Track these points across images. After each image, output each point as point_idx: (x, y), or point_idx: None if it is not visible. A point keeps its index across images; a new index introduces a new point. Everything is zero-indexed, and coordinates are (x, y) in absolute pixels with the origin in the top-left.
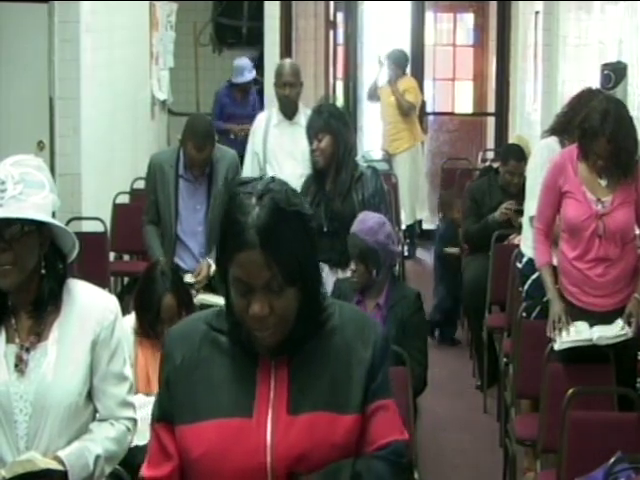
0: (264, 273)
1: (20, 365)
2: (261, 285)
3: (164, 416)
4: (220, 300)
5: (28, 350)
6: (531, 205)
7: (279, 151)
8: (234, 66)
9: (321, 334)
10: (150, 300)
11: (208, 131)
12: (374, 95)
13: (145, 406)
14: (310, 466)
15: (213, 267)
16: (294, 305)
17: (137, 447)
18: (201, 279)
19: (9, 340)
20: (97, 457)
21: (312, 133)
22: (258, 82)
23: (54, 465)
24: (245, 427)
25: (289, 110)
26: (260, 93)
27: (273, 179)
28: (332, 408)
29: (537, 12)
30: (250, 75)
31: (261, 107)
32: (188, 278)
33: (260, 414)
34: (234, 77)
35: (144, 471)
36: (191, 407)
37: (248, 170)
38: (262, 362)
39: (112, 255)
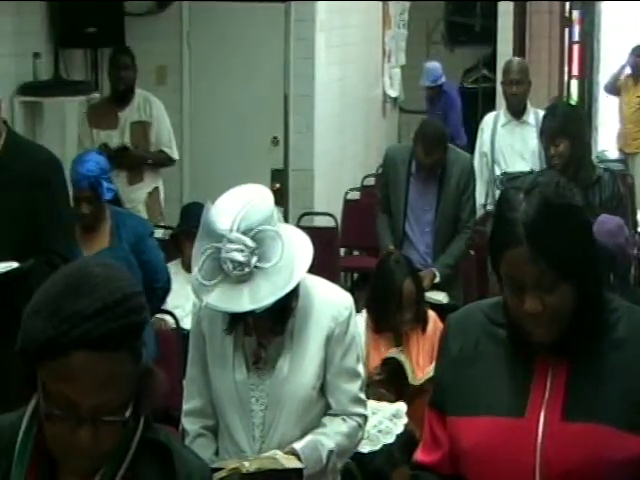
0: (533, 270)
1: (257, 359)
2: (531, 282)
3: (437, 403)
4: (437, 295)
5: (265, 345)
6: None
7: (508, 151)
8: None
9: (605, 339)
10: (390, 288)
11: (438, 136)
12: (614, 87)
13: (376, 412)
14: (580, 477)
15: (437, 279)
16: (569, 302)
17: (372, 452)
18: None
19: (247, 333)
20: (330, 451)
21: (548, 137)
22: (489, 80)
23: (293, 463)
24: (516, 427)
25: (517, 109)
26: (491, 92)
27: (543, 172)
28: (615, 423)
29: None
30: (427, 81)
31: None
32: None
33: (532, 415)
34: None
35: (417, 455)
36: (464, 400)
37: (476, 170)
38: (540, 362)
39: (342, 250)
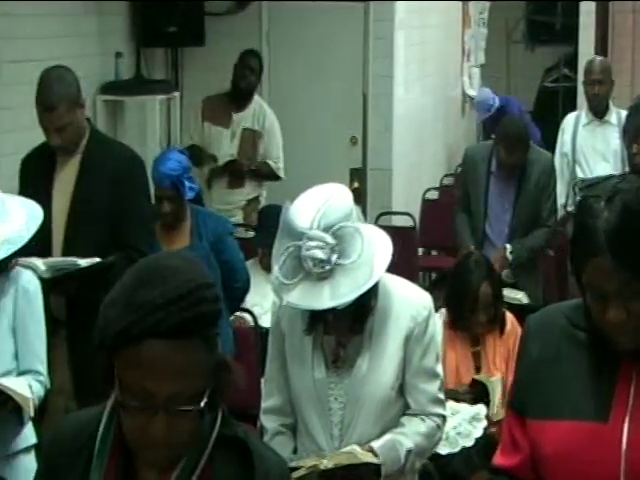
0: (616, 279)
1: (336, 358)
2: (614, 291)
3: (516, 405)
4: (516, 294)
5: (344, 344)
6: None
7: (589, 151)
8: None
9: None
10: (466, 290)
11: (520, 135)
12: None
13: (455, 414)
14: None
15: (509, 252)
16: None
17: (450, 454)
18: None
19: (327, 332)
20: (408, 451)
21: (631, 135)
22: (570, 79)
23: (372, 459)
24: (599, 432)
25: (599, 109)
26: (572, 92)
27: (623, 177)
28: None
29: None
30: (482, 113)
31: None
32: None
33: (616, 421)
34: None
35: (496, 458)
36: (544, 403)
37: (557, 171)
38: (623, 367)
39: (420, 250)
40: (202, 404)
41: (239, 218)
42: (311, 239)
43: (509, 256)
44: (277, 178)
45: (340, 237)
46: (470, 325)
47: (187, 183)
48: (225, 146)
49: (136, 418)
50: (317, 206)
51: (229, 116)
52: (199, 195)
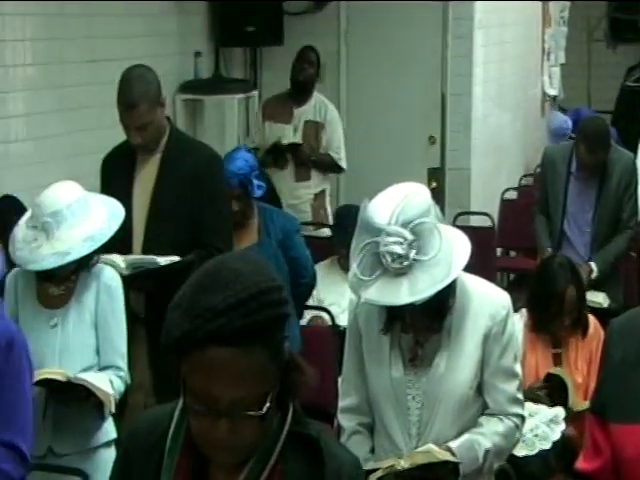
0: None
1: (414, 356)
2: None
3: (598, 409)
4: (596, 297)
5: (422, 343)
6: None
7: None
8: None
9: None
10: (552, 293)
11: (601, 134)
12: None
13: (533, 415)
14: None
15: (595, 273)
16: None
17: (527, 457)
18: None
19: (404, 330)
20: (486, 451)
21: None
22: None
23: (449, 457)
24: None
25: None
26: None
27: None
28: None
29: None
30: (559, 140)
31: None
32: None
33: None
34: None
35: (578, 463)
36: (627, 407)
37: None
38: None
39: (499, 250)
40: (264, 409)
41: (309, 213)
42: (389, 235)
43: (594, 276)
44: (339, 169)
45: (418, 233)
46: (553, 327)
47: (255, 182)
48: (288, 140)
49: (201, 421)
50: (395, 202)
51: (290, 112)
52: (275, 193)
